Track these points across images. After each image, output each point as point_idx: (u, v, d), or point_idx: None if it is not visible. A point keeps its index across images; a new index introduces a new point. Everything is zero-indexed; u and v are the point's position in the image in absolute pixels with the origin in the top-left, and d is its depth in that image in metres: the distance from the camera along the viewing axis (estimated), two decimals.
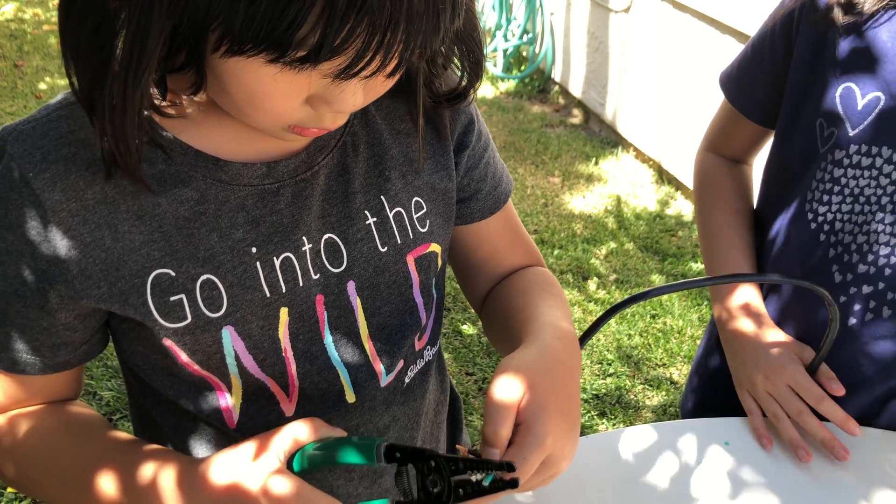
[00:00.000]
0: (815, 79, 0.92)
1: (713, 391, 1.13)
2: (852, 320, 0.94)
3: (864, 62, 0.88)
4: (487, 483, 0.58)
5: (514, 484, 0.57)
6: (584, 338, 0.89)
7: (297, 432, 0.61)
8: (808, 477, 0.88)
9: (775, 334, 0.98)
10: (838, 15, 0.87)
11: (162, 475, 0.62)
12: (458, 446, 0.60)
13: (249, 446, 0.61)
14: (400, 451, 0.60)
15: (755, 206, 1.10)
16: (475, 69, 0.70)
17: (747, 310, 1.01)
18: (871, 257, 0.91)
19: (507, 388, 0.63)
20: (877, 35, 0.87)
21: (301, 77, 0.54)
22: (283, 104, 0.57)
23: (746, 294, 1.03)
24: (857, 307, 0.93)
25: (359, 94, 0.59)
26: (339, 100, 0.58)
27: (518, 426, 0.62)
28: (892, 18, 0.87)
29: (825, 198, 0.93)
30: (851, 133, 0.89)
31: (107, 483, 0.64)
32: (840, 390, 0.91)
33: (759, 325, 0.99)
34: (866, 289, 0.92)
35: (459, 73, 0.71)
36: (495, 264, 0.89)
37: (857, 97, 0.89)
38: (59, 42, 0.56)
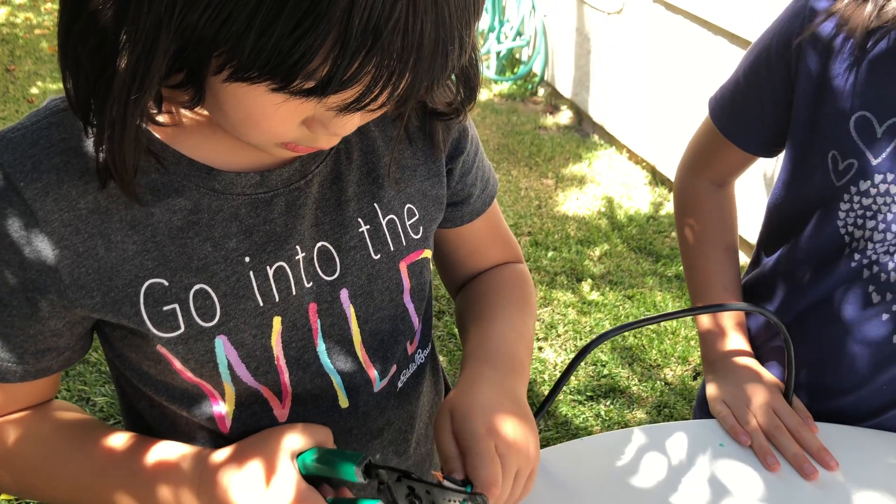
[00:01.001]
0: (823, 111, 0.91)
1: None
2: None
3: (878, 89, 0.87)
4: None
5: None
6: (556, 388, 0.90)
7: (294, 444, 0.65)
8: (803, 478, 0.88)
9: (760, 368, 1.02)
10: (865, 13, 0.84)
11: (174, 489, 0.66)
12: (433, 472, 0.62)
13: (258, 467, 0.64)
14: (381, 470, 0.62)
15: (760, 233, 1.11)
16: (470, 93, 0.70)
17: (735, 340, 1.05)
18: None
19: (439, 424, 0.69)
20: (887, 60, 0.86)
21: (304, 105, 0.54)
22: (280, 126, 0.58)
23: (733, 328, 1.06)
24: None
25: (356, 118, 0.59)
26: (337, 124, 0.58)
27: (463, 454, 0.66)
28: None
29: (860, 221, 0.92)
30: (874, 162, 0.89)
31: (119, 489, 0.67)
32: (815, 428, 0.93)
33: (745, 358, 1.03)
34: None
35: (454, 93, 0.72)
36: (474, 261, 0.91)
37: (874, 125, 0.88)
38: (50, 46, 0.56)
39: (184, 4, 0.48)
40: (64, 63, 0.55)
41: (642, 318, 0.88)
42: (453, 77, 0.69)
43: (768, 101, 0.98)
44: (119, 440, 0.70)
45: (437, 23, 0.49)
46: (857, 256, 0.93)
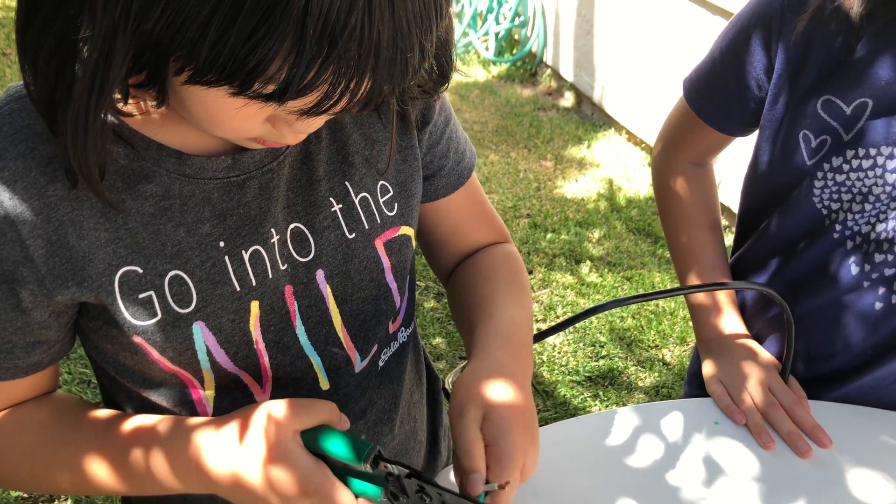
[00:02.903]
0: (794, 92, 0.92)
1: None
2: (878, 304, 0.96)
3: (844, 75, 0.88)
4: None
5: None
6: (544, 336, 0.91)
7: (277, 413, 0.61)
8: (797, 456, 0.88)
9: (756, 345, 1.03)
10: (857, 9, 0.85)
11: (158, 463, 0.64)
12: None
13: (233, 430, 0.61)
14: (388, 463, 0.60)
15: (739, 213, 1.12)
16: (443, 78, 0.69)
17: (730, 319, 1.06)
18: (886, 245, 0.92)
19: (469, 416, 0.65)
20: (856, 49, 0.87)
21: (265, 108, 0.54)
22: (243, 124, 0.57)
23: (727, 306, 1.07)
24: (881, 291, 0.95)
25: (320, 118, 0.58)
26: (301, 124, 0.58)
27: (488, 447, 0.64)
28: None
29: (836, 196, 0.93)
30: (846, 138, 0.90)
31: (110, 468, 0.66)
32: (808, 407, 0.94)
33: (740, 336, 1.04)
34: (888, 271, 0.93)
35: (427, 78, 0.70)
36: (458, 239, 0.89)
37: (841, 106, 0.89)
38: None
39: (138, 11, 0.47)
40: (23, 61, 0.54)
41: (639, 293, 0.89)
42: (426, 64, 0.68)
43: (746, 81, 0.98)
44: (113, 420, 0.68)
45: (395, 29, 0.49)
46: (838, 227, 0.95)
